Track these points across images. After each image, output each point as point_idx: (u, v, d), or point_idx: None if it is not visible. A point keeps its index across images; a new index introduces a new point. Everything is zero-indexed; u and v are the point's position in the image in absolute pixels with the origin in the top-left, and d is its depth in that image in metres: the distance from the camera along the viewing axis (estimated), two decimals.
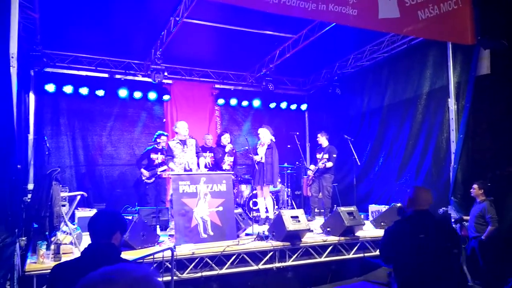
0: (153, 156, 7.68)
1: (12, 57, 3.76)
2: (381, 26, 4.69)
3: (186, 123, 6.43)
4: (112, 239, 2.25)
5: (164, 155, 7.39)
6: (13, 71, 3.75)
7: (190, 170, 6.11)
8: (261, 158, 7.00)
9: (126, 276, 0.95)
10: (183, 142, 6.25)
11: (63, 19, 6.50)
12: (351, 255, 5.58)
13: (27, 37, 6.52)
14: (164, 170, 7.44)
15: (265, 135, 7.09)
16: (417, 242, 2.83)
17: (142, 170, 7.66)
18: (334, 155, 7.65)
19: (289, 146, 8.69)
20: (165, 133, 7.84)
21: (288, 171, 8.74)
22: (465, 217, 5.72)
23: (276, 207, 7.55)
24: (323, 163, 7.55)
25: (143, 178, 7.65)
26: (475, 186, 5.48)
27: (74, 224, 5.58)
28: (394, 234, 2.98)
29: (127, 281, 0.94)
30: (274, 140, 7.21)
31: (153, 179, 7.61)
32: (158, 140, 7.58)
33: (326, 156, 7.65)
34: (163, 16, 6.52)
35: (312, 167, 8.01)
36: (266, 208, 7.18)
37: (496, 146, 5.81)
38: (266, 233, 5.50)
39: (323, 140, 7.98)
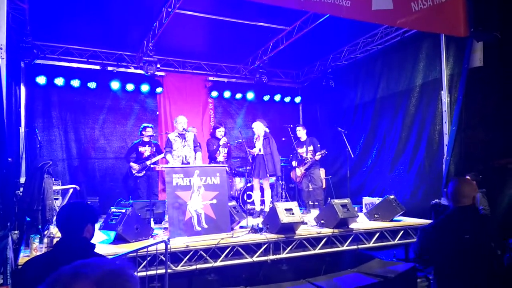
0: (141, 149, 7.62)
1: (1, 48, 3.70)
2: (374, 17, 4.67)
3: (185, 118, 6.60)
4: (84, 232, 2.19)
5: (152, 147, 7.40)
6: (2, 62, 3.68)
7: (188, 163, 6.18)
8: (260, 150, 7.01)
9: (97, 269, 0.93)
10: (182, 136, 6.43)
11: (53, 9, 6.40)
12: (344, 247, 5.61)
13: (17, 28, 6.41)
14: (155, 162, 7.42)
15: (258, 128, 7.10)
16: (462, 243, 2.56)
17: (132, 164, 7.60)
18: (319, 145, 7.67)
19: (283, 139, 8.69)
20: (150, 125, 7.78)
21: (282, 164, 8.74)
22: None
23: (270, 199, 7.56)
24: (320, 155, 7.44)
25: (133, 172, 7.58)
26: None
27: None
28: (434, 233, 2.69)
29: (97, 274, 0.92)
30: (267, 130, 7.22)
31: (144, 172, 7.56)
32: (143, 133, 7.54)
33: (311, 148, 7.63)
34: (155, 7, 6.44)
35: (294, 163, 7.89)
36: (262, 200, 7.19)
37: (488, 138, 5.86)
38: (261, 225, 5.50)
39: (303, 133, 7.88)
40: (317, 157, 7.51)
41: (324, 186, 8.22)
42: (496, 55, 5.67)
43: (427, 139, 6.85)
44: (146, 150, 7.55)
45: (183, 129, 6.51)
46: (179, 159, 6.26)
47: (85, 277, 0.91)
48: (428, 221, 6.29)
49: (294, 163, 7.96)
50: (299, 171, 7.82)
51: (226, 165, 6.93)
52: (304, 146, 7.77)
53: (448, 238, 2.61)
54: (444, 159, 6.22)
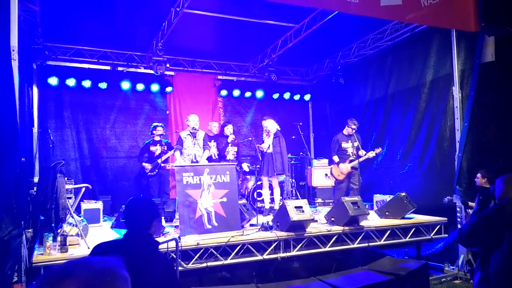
0: (152, 148, 7.68)
1: (13, 50, 3.76)
2: (383, 13, 4.63)
3: (197, 116, 6.65)
4: (151, 228, 2.23)
5: (164, 146, 7.45)
6: (14, 64, 3.75)
7: (197, 162, 6.21)
8: (269, 147, 7.00)
9: (85, 268, 0.94)
10: (193, 135, 6.49)
11: (64, 11, 6.48)
12: (355, 245, 5.59)
13: (28, 30, 6.51)
14: (166, 160, 7.48)
15: (272, 125, 7.08)
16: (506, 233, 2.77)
17: (144, 164, 7.67)
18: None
19: (293, 137, 8.67)
20: (160, 124, 7.82)
21: (292, 162, 8.74)
22: (470, 203, 5.70)
23: (280, 197, 7.57)
24: (376, 153, 7.17)
25: (146, 171, 7.66)
26: (478, 175, 5.46)
27: (80, 216, 5.63)
28: (486, 220, 2.93)
29: (86, 273, 0.93)
30: (279, 129, 7.21)
31: (156, 171, 7.63)
32: (154, 132, 7.60)
33: (357, 144, 7.37)
34: (163, 7, 6.47)
35: (336, 158, 7.41)
36: (272, 198, 7.19)
37: (501, 134, 5.77)
38: (271, 223, 5.52)
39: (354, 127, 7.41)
40: (371, 154, 7.17)
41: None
42: (508, 49, 5.57)
43: (437, 135, 6.77)
44: (157, 149, 7.61)
45: (194, 128, 6.52)
46: (189, 158, 6.29)
47: (73, 276, 0.92)
48: (438, 218, 6.24)
49: (335, 158, 7.41)
50: (346, 168, 7.35)
51: (236, 162, 6.94)
52: (349, 141, 7.43)
53: (497, 227, 2.75)
54: (456, 155, 6.14)
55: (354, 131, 7.45)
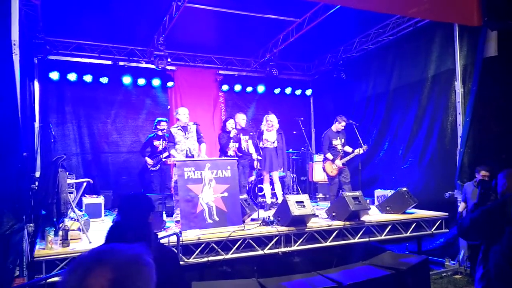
0: (156, 143, 7.69)
1: (14, 44, 3.76)
2: (385, 8, 4.59)
3: (187, 109, 6.45)
4: (148, 220, 2.31)
5: (166, 141, 7.42)
6: (16, 58, 3.75)
7: (192, 156, 6.15)
8: (274, 142, 7.06)
9: (116, 255, 0.98)
10: (184, 128, 6.31)
11: (65, 5, 6.46)
12: (356, 240, 5.60)
13: (29, 25, 6.49)
14: (168, 157, 7.47)
15: (276, 121, 7.16)
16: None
17: (146, 158, 7.68)
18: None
19: (294, 132, 8.65)
20: (164, 119, 7.81)
21: (294, 157, 8.73)
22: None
23: (281, 192, 7.57)
24: (364, 150, 7.11)
25: (148, 166, 7.67)
26: (482, 172, 5.43)
27: (81, 211, 5.65)
28: (490, 215, 2.90)
29: (116, 260, 0.96)
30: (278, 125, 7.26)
31: (158, 166, 7.63)
32: (158, 127, 7.59)
33: (343, 140, 7.37)
34: (165, 1, 6.45)
35: (330, 155, 7.36)
36: (273, 193, 7.21)
37: (503, 129, 5.74)
38: (272, 218, 5.52)
39: (343, 124, 7.40)
40: (359, 151, 7.11)
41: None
42: (511, 44, 5.54)
43: (439, 130, 6.75)
44: (160, 144, 7.61)
45: (188, 120, 6.38)
46: (183, 153, 6.12)
47: (105, 262, 0.95)
48: (439, 213, 6.24)
49: (329, 156, 7.38)
50: (336, 165, 7.31)
51: (236, 158, 6.92)
52: (338, 138, 7.42)
53: (498, 222, 2.71)
54: (458, 150, 6.13)
55: (343, 127, 7.42)
